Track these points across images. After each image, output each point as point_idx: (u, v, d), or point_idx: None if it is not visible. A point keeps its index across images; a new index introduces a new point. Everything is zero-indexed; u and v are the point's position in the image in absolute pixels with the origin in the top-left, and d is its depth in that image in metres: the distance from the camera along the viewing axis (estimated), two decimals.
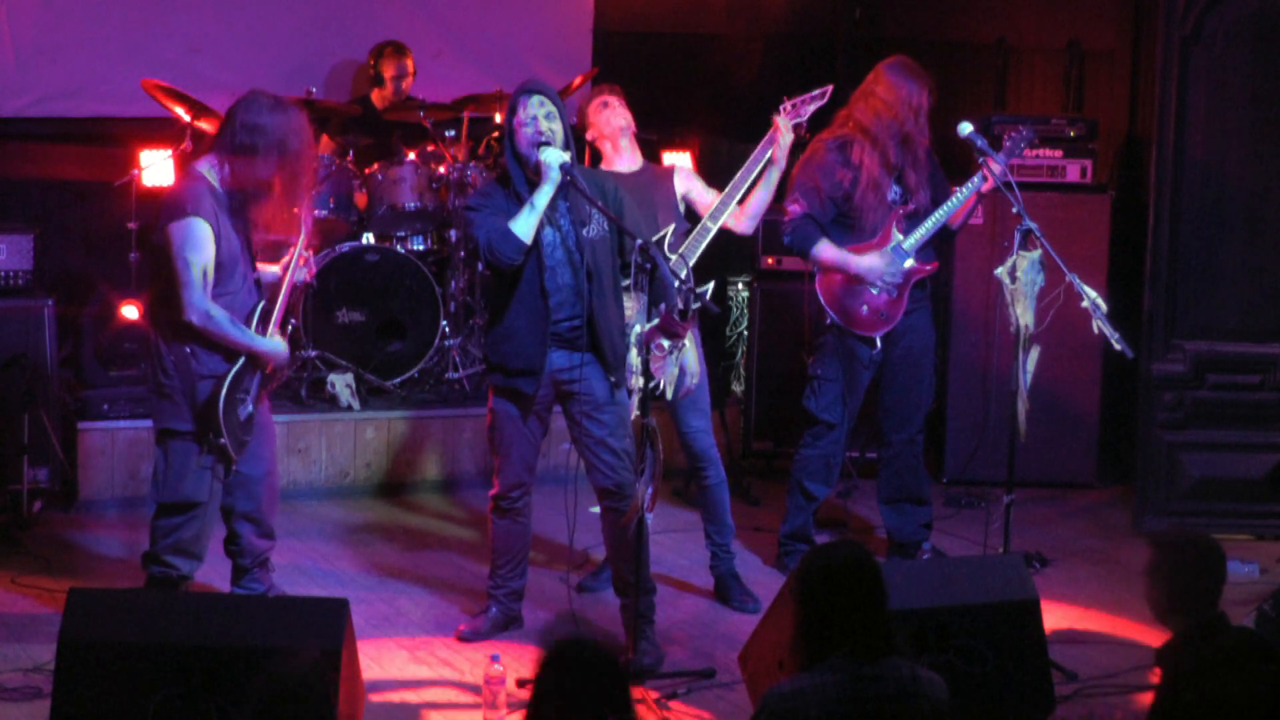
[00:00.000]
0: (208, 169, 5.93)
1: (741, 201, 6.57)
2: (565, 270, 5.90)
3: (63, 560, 6.95)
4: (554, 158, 5.78)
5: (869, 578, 3.97)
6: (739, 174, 6.53)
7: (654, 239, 6.31)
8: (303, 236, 6.16)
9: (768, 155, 6.49)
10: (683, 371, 6.39)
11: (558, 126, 5.88)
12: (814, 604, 3.96)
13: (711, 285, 6.52)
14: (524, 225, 5.81)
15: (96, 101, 8.75)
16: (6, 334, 7.35)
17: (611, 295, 5.96)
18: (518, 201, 5.88)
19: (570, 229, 5.91)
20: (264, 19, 9.03)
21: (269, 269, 6.15)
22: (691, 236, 6.54)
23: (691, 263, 6.49)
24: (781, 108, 6.55)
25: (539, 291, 5.89)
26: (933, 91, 6.80)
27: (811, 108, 6.57)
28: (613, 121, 6.58)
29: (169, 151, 8.08)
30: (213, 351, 5.88)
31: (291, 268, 6.10)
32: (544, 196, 5.81)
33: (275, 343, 6.02)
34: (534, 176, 5.88)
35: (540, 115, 5.86)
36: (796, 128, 6.53)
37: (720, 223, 6.54)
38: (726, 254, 7.92)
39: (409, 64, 8.95)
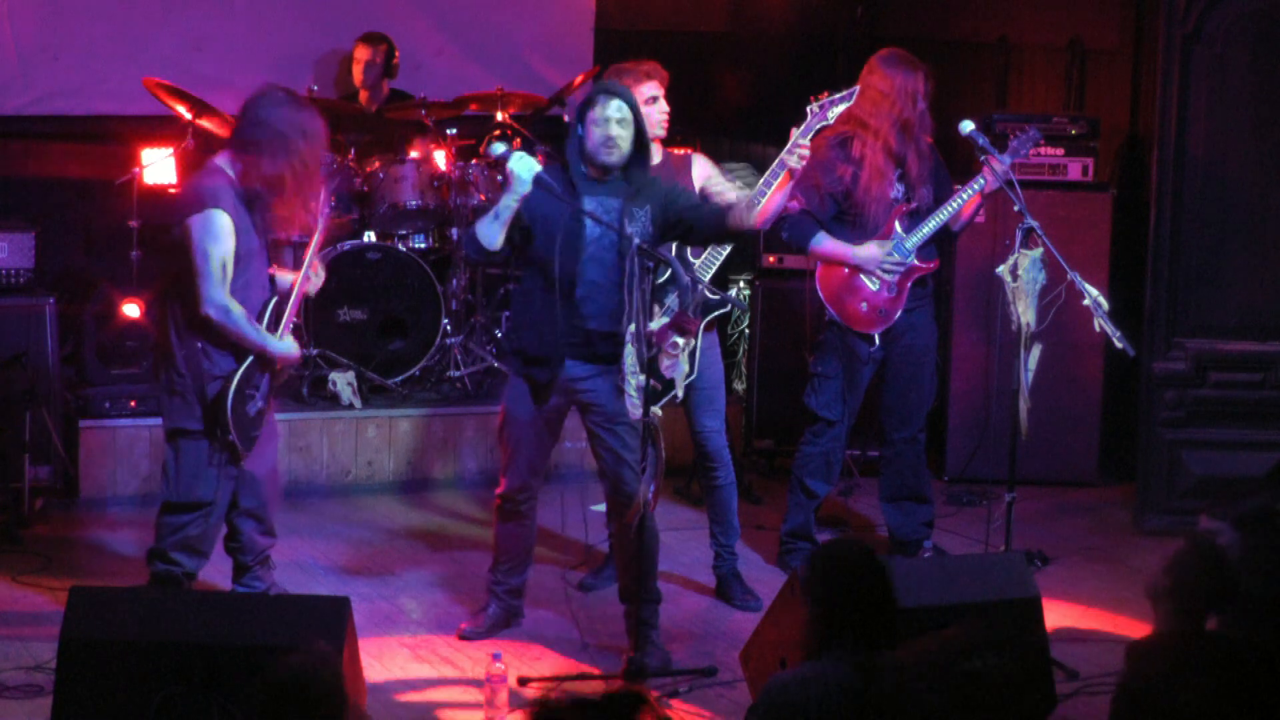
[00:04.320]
0: (225, 164, 5.93)
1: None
2: (598, 268, 5.88)
3: (64, 558, 6.95)
4: (523, 168, 5.75)
5: (875, 573, 4.04)
6: (763, 179, 6.44)
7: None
8: (316, 239, 6.14)
9: (787, 168, 6.41)
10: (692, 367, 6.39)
11: (628, 134, 5.86)
12: (822, 596, 4.02)
13: (733, 294, 6.50)
14: (486, 230, 5.83)
15: (98, 100, 8.75)
16: (8, 332, 7.35)
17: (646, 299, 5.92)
18: (571, 189, 5.87)
19: (609, 229, 5.88)
20: (265, 17, 9.03)
21: (284, 276, 6.13)
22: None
23: (716, 268, 6.47)
24: (808, 108, 6.47)
25: (569, 287, 5.85)
26: (929, 77, 6.77)
27: (840, 108, 6.48)
28: (657, 126, 6.42)
29: (170, 150, 8.08)
30: (224, 350, 5.86)
31: (303, 278, 6.08)
32: (506, 208, 5.81)
33: (288, 345, 6.00)
34: (595, 173, 5.90)
35: (614, 120, 5.84)
36: (821, 130, 6.48)
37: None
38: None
39: (379, 55, 8.86)
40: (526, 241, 5.90)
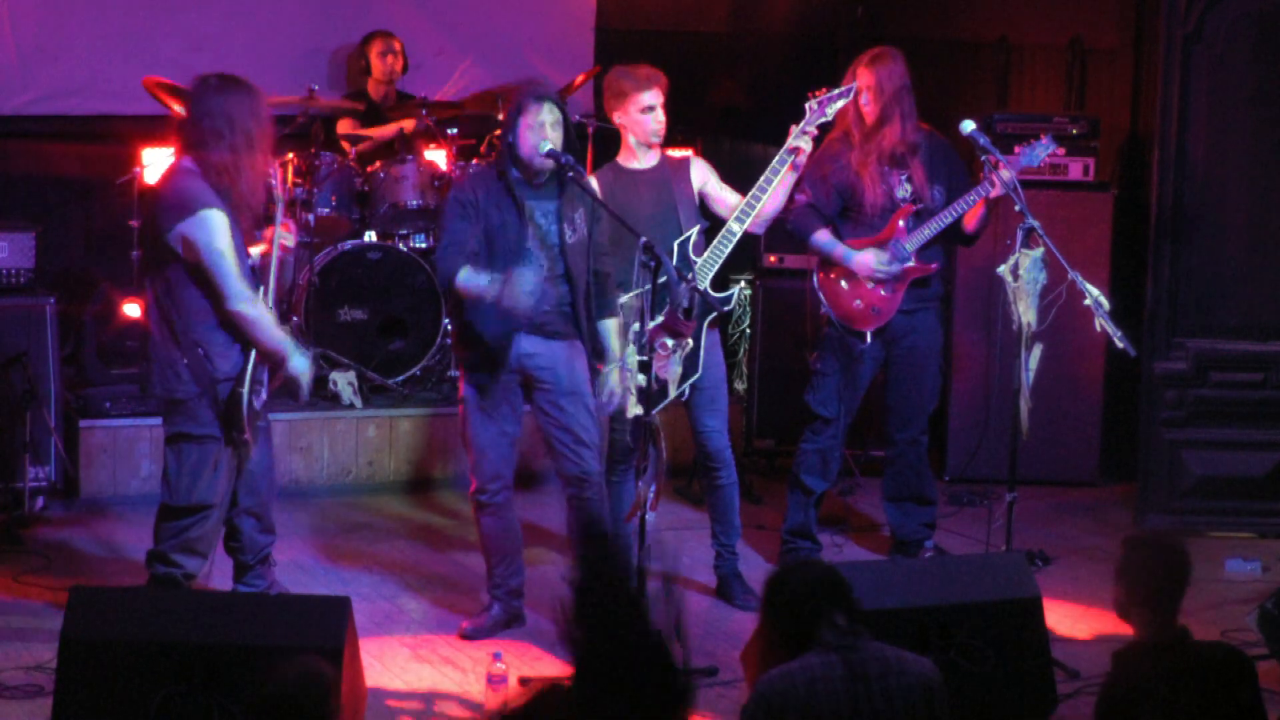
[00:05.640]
0: (191, 165, 5.83)
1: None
2: (536, 272, 5.93)
3: (64, 558, 6.95)
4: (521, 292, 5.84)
5: (834, 591, 4.09)
6: (763, 178, 6.46)
7: (678, 240, 6.33)
8: (282, 200, 6.09)
9: (788, 162, 6.45)
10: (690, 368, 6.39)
11: (559, 136, 5.94)
12: (784, 623, 4.10)
13: (734, 292, 6.51)
14: (466, 282, 5.88)
15: (98, 99, 8.75)
16: (8, 332, 7.34)
17: (587, 298, 6.06)
18: (510, 196, 5.95)
19: (553, 228, 5.99)
20: (265, 18, 9.04)
21: (253, 250, 6.09)
22: (716, 241, 6.45)
23: (717, 267, 6.47)
24: (807, 105, 6.50)
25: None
26: (862, 75, 6.70)
27: (839, 104, 6.52)
28: (653, 135, 6.46)
29: (171, 150, 8.07)
30: (224, 351, 5.82)
31: (276, 240, 6.04)
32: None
33: (305, 360, 5.94)
34: (531, 178, 5.98)
35: (549, 124, 5.91)
36: (822, 126, 6.51)
37: (746, 226, 6.44)
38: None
39: (396, 44, 8.94)
40: (489, 252, 5.96)
